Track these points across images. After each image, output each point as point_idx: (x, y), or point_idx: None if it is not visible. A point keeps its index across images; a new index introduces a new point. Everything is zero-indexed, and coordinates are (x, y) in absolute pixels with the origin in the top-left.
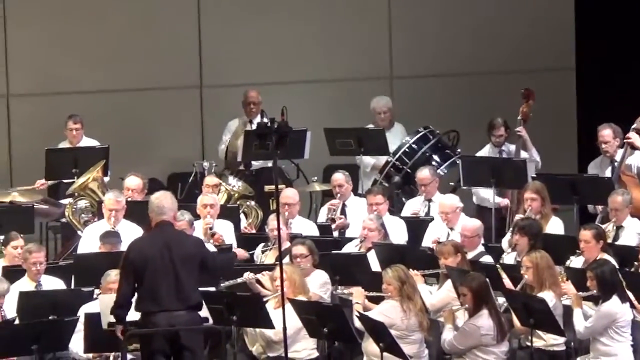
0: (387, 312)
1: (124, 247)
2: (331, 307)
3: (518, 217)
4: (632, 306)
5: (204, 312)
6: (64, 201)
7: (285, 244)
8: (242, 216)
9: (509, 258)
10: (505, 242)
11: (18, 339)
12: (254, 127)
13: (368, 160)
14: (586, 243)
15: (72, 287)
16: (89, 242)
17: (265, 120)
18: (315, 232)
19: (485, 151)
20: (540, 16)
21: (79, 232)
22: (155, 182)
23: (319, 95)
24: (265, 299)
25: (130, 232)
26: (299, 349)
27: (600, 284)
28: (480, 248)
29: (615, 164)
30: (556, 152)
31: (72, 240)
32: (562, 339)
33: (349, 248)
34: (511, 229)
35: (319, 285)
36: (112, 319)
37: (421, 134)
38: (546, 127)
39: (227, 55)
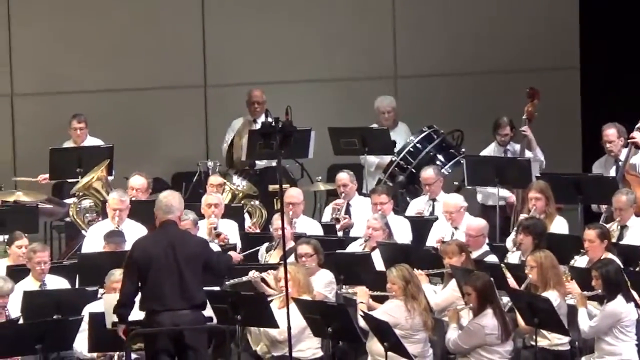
0: (392, 311)
1: (128, 246)
2: (335, 306)
3: (522, 216)
4: (637, 305)
5: (208, 312)
6: (68, 201)
7: (290, 244)
8: (246, 216)
9: (513, 257)
10: (509, 242)
11: (22, 338)
12: (258, 126)
13: (372, 160)
14: (590, 242)
15: (77, 286)
16: (93, 241)
17: (269, 119)
18: (319, 231)
19: (490, 150)
20: (545, 15)
21: (83, 231)
22: (159, 182)
23: (323, 95)
24: (269, 299)
25: (134, 232)
26: (304, 348)
27: (605, 284)
28: (485, 247)
29: (620, 163)
30: (560, 152)
31: (77, 240)
32: (566, 339)
33: (354, 247)
34: (515, 228)
35: (324, 284)
36: (116, 318)
37: (425, 133)
38: (551, 127)
39: (231, 54)
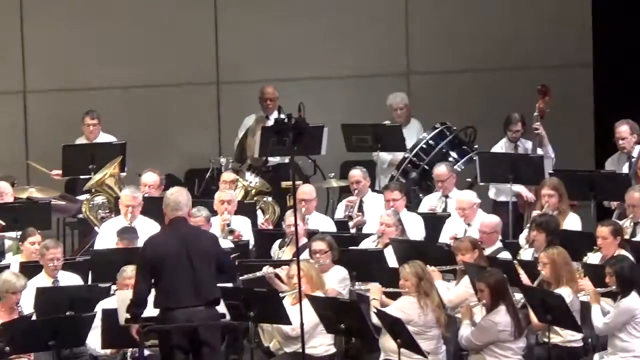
0: (405, 308)
1: (140, 243)
2: (348, 303)
3: (535, 213)
4: None
5: (222, 308)
6: (81, 197)
7: (302, 240)
8: (259, 212)
9: (526, 254)
10: (522, 238)
11: (35, 334)
12: (271, 123)
13: (385, 157)
14: (603, 239)
15: (89, 283)
16: (106, 238)
17: (282, 116)
18: (332, 228)
19: (500, 146)
20: (558, 12)
21: (96, 228)
22: (172, 178)
23: (336, 92)
24: (282, 295)
25: (147, 228)
26: (316, 344)
27: (619, 280)
28: (498, 244)
29: (633, 160)
30: (573, 148)
31: (89, 236)
32: (579, 335)
33: (366, 244)
34: (528, 225)
35: (338, 280)
36: (128, 315)
37: (438, 130)
38: (563, 124)
39: (244, 51)
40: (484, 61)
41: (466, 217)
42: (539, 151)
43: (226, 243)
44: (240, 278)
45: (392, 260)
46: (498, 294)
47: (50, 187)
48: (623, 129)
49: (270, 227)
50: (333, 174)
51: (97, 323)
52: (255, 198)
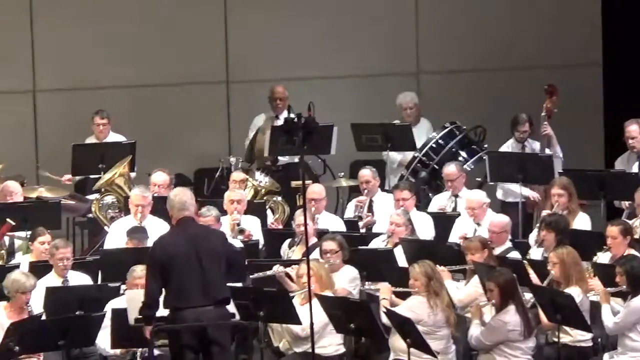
0: (414, 307)
1: (150, 242)
2: (358, 302)
3: (545, 212)
4: None
5: (231, 308)
6: (90, 197)
7: (312, 240)
8: (268, 212)
9: (536, 254)
10: (532, 238)
11: (45, 334)
12: (281, 122)
13: (395, 156)
14: (613, 239)
15: (99, 282)
16: (116, 237)
17: (292, 115)
18: (342, 227)
19: (508, 146)
20: (567, 12)
21: (105, 227)
22: (181, 178)
23: (346, 91)
24: (292, 295)
25: (156, 228)
26: (326, 344)
27: (629, 280)
28: (508, 244)
29: None
30: (583, 148)
31: (99, 236)
32: (589, 335)
33: (376, 243)
34: (538, 224)
35: (348, 280)
36: (138, 314)
37: (447, 129)
38: (573, 123)
39: (253, 50)
40: (493, 61)
41: (476, 216)
42: (547, 151)
43: (236, 243)
44: (251, 277)
45: (401, 259)
46: (508, 293)
47: (59, 187)
48: (633, 128)
49: (280, 226)
50: (343, 174)
51: (107, 323)
52: (265, 197)
